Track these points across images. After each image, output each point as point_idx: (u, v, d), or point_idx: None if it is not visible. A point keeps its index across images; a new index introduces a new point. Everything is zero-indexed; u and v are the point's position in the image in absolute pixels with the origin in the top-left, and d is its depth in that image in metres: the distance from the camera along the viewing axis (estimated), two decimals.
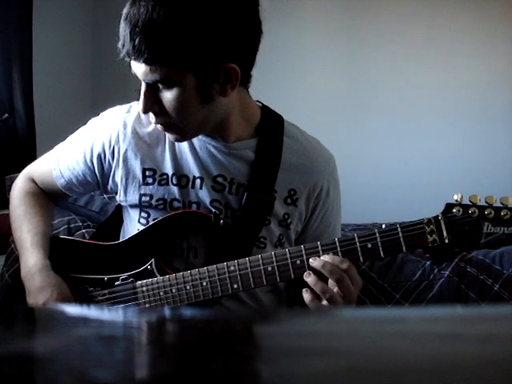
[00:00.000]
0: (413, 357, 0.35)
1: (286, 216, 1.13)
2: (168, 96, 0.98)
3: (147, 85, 0.98)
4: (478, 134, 3.15)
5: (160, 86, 0.97)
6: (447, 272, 1.49)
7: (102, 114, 1.18)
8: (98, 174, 1.16)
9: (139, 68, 0.97)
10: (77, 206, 1.76)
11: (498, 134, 3.14)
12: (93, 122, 1.19)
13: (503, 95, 3.11)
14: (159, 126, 1.05)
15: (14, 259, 1.59)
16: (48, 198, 1.26)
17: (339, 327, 0.47)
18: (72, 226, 1.67)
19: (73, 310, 0.74)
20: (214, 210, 1.10)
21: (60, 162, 1.19)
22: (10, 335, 0.43)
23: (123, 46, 0.95)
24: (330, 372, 0.32)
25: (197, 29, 0.93)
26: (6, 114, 2.49)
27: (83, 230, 1.65)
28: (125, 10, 0.95)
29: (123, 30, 0.95)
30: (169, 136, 1.08)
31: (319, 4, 3.33)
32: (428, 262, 1.52)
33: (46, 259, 1.12)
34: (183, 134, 1.06)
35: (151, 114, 1.03)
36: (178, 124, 1.02)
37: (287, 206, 1.13)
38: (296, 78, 3.28)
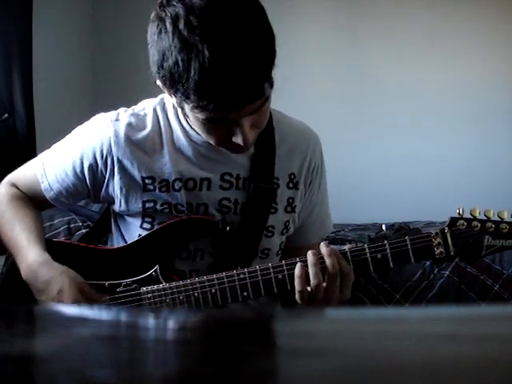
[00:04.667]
0: (413, 357, 0.35)
1: (291, 200, 1.16)
2: (264, 109, 0.97)
3: (246, 118, 0.94)
4: (478, 134, 3.15)
5: (259, 106, 0.94)
6: (447, 272, 1.49)
7: (88, 123, 1.14)
8: (89, 185, 1.12)
9: (248, 108, 0.92)
10: (77, 206, 1.76)
11: (497, 133, 3.14)
12: (79, 130, 1.15)
13: (503, 95, 3.12)
14: (240, 150, 1.01)
15: (12, 260, 1.58)
16: (35, 204, 1.22)
17: (339, 327, 0.47)
18: (72, 226, 1.67)
19: (73, 310, 0.74)
20: (220, 217, 1.10)
21: (48, 174, 1.15)
22: (9, 335, 0.43)
23: (237, 98, 0.89)
24: (330, 372, 0.32)
25: (265, 29, 0.92)
26: (6, 114, 2.49)
27: (83, 230, 1.65)
28: (211, 62, 0.85)
29: (222, 82, 0.87)
30: (242, 152, 1.04)
31: (319, 4, 3.33)
32: (428, 262, 1.52)
33: (45, 253, 1.09)
34: (254, 141, 1.04)
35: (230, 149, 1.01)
36: (261, 130, 1.02)
37: (290, 190, 1.15)
38: (296, 77, 3.28)
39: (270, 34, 0.92)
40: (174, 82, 0.90)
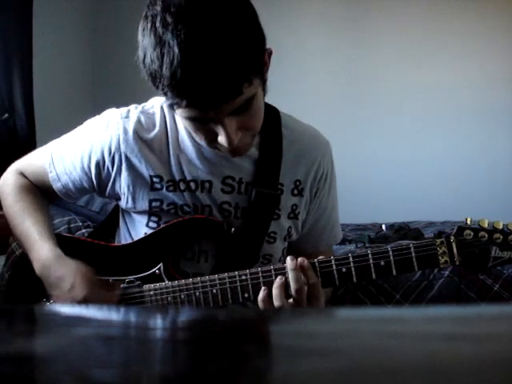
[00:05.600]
0: (413, 357, 0.35)
1: (295, 207, 1.15)
2: (248, 112, 0.94)
3: (226, 119, 0.92)
4: (478, 134, 3.15)
5: (240, 108, 0.92)
6: (447, 272, 1.49)
7: (99, 117, 1.14)
8: (94, 181, 1.12)
9: (219, 110, 0.90)
10: (77, 206, 1.76)
11: (497, 133, 3.14)
12: (90, 124, 1.14)
13: (503, 96, 3.12)
14: (230, 152, 0.99)
15: (14, 259, 1.59)
16: (42, 193, 1.22)
17: (339, 327, 0.47)
18: (72, 225, 1.67)
19: (73, 310, 0.74)
20: (222, 219, 1.10)
21: (56, 165, 1.15)
22: (10, 335, 0.43)
23: (202, 101, 0.88)
24: (330, 372, 0.32)
25: (246, 28, 0.89)
26: (6, 114, 2.50)
27: (83, 230, 1.65)
28: (180, 59, 0.85)
29: (192, 81, 0.86)
30: (231, 155, 1.02)
31: (320, 5, 3.33)
32: None
33: (57, 248, 1.10)
34: (250, 144, 1.04)
35: (229, 147, 0.96)
36: (253, 135, 1.01)
37: (294, 196, 1.14)
38: (296, 78, 3.28)
39: (251, 32, 0.89)
40: (153, 79, 0.91)
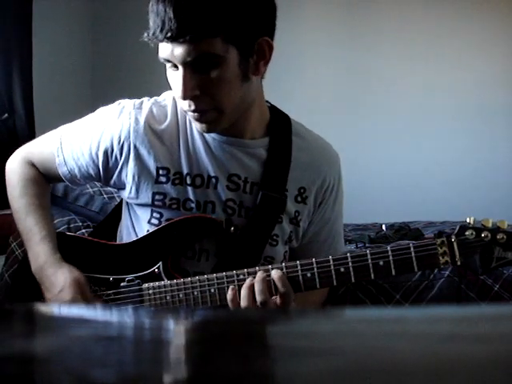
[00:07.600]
0: (413, 357, 0.35)
1: (297, 214, 1.14)
2: (211, 75, 0.96)
3: (187, 68, 0.95)
4: (477, 135, 3.16)
5: (202, 65, 0.95)
6: (447, 272, 1.49)
7: (112, 106, 1.15)
8: (101, 169, 1.12)
9: (179, 49, 0.93)
10: (77, 206, 1.76)
11: (496, 134, 3.14)
12: (102, 112, 1.15)
13: (502, 97, 3.12)
14: (195, 115, 1.01)
15: (13, 259, 1.59)
16: (48, 184, 1.23)
17: (339, 327, 0.47)
18: (72, 226, 1.67)
19: (73, 310, 0.74)
20: (225, 217, 1.10)
21: (64, 149, 1.15)
22: (9, 335, 0.43)
23: (162, 28, 0.92)
24: (331, 372, 0.32)
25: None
26: (6, 114, 2.49)
27: (83, 230, 1.65)
28: None
29: (163, 10, 0.91)
30: (199, 126, 1.04)
31: (319, 5, 3.33)
32: None
33: (57, 253, 1.11)
34: (218, 121, 1.03)
35: (186, 102, 1.00)
36: (217, 107, 1.00)
37: (297, 203, 1.14)
38: (297, 78, 3.28)
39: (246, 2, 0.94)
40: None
